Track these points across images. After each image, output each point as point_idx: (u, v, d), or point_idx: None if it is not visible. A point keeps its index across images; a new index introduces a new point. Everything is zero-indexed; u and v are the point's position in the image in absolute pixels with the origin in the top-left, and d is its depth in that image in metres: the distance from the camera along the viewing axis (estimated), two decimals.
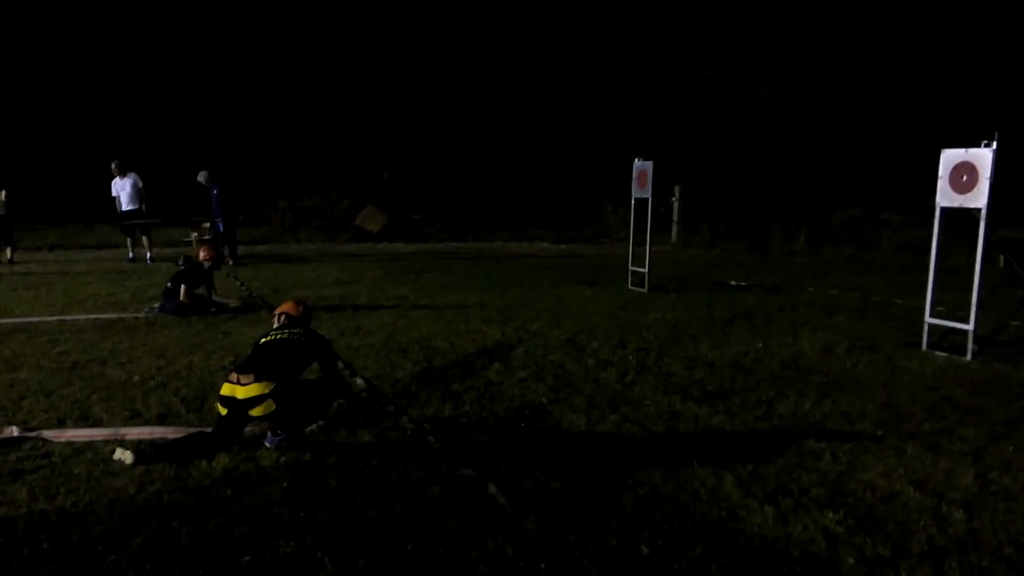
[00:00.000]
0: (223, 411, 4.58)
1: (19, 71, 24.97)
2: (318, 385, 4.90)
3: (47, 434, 4.79)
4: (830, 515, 3.76)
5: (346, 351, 7.22)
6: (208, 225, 15.45)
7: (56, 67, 25.53)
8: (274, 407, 4.51)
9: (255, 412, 4.50)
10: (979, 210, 7.05)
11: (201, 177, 15.14)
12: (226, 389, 4.60)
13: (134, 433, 4.88)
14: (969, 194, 7.15)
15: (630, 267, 12.16)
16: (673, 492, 4.05)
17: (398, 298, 10.68)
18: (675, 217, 21.34)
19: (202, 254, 9.73)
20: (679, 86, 24.19)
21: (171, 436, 4.73)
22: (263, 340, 5.05)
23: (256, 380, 4.52)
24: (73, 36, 25.78)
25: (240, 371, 4.62)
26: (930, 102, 20.10)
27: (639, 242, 11.98)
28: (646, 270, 11.69)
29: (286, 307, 5.63)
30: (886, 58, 21.42)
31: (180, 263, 9.89)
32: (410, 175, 24.97)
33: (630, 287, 11.93)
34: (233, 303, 9.78)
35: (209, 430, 4.71)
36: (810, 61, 22.20)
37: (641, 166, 11.74)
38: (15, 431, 4.82)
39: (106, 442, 4.65)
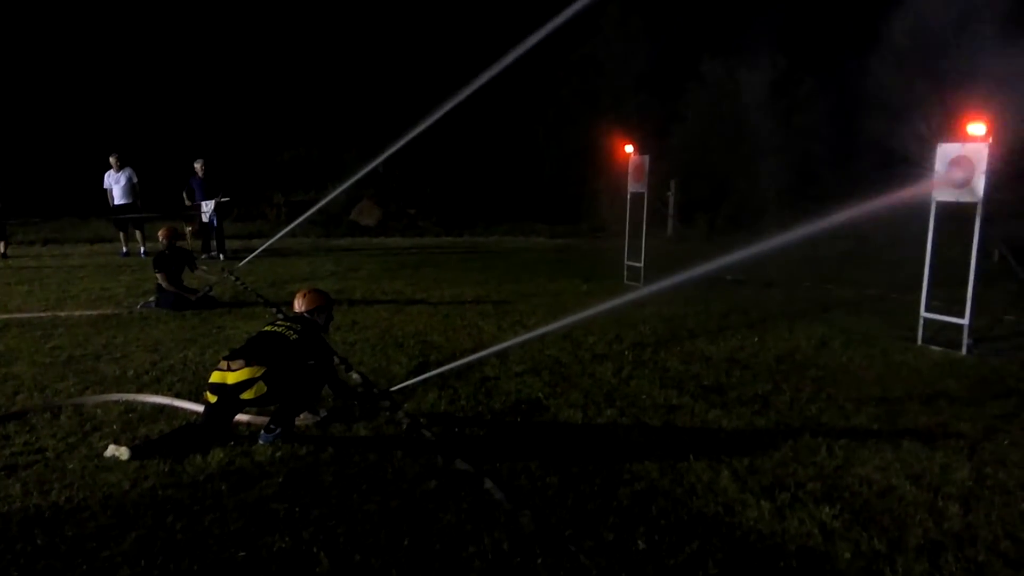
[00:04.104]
0: (212, 399, 4.58)
1: (12, 65, 24.81)
2: (308, 373, 4.86)
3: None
4: (826, 509, 3.76)
5: (342, 346, 7.20)
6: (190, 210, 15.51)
7: (50, 61, 25.36)
8: (265, 389, 4.52)
9: (246, 395, 4.50)
10: (975, 204, 7.05)
11: (198, 165, 15.16)
12: (216, 376, 4.60)
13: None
14: (965, 188, 7.15)
15: (626, 261, 12.15)
16: (669, 487, 4.04)
17: (394, 292, 10.66)
18: (671, 211, 21.31)
19: (160, 237, 9.61)
20: (675, 79, 24.15)
21: None
22: (262, 330, 5.06)
23: (247, 365, 4.53)
24: (67, 30, 25.61)
25: (230, 358, 4.63)
26: (920, 93, 20.08)
27: (635, 236, 11.97)
28: (642, 264, 11.68)
29: (296, 299, 5.46)
30: (881, 49, 21.40)
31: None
32: (405, 170, 24.89)
33: (626, 282, 11.92)
34: (212, 278, 10.12)
35: (198, 422, 4.72)
36: (805, 54, 22.16)
37: (637, 160, 11.72)
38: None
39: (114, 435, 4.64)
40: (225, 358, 4.69)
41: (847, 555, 3.35)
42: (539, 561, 3.27)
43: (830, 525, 3.62)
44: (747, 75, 22.58)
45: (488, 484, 4.00)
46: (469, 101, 6.90)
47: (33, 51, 25.45)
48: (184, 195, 15.36)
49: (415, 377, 5.95)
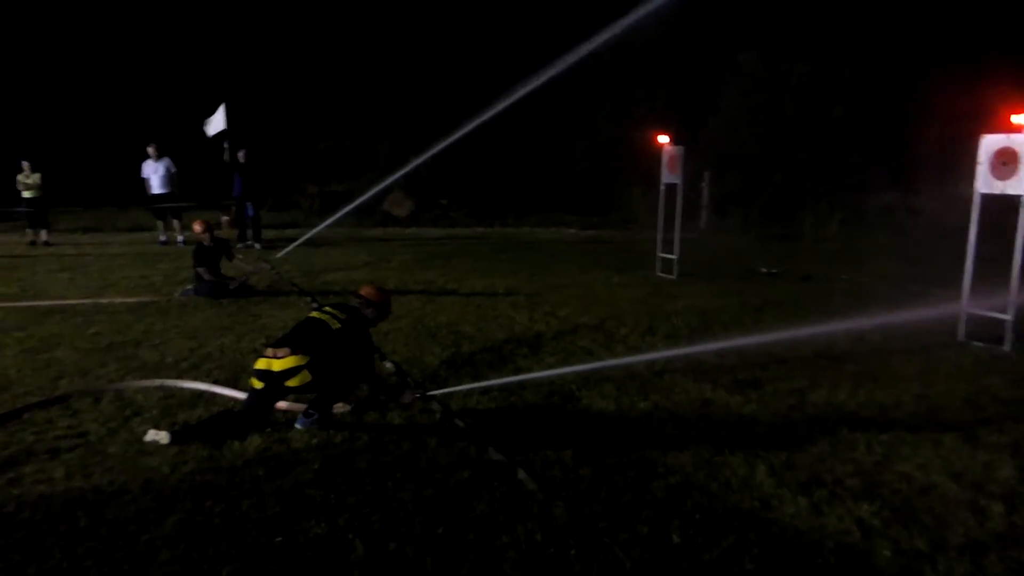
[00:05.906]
0: (258, 385, 4.61)
1: (54, 54, 25.31)
2: (351, 364, 4.88)
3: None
4: (865, 506, 3.70)
5: (375, 335, 7.20)
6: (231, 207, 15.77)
7: (90, 50, 25.81)
8: (310, 377, 4.56)
9: (292, 383, 4.54)
10: (1020, 197, 6.87)
11: (240, 153, 15.36)
12: (261, 363, 4.63)
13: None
14: (1010, 180, 6.98)
15: (659, 253, 12.05)
16: (704, 481, 4.01)
17: (426, 283, 10.70)
18: (704, 203, 21.12)
19: (198, 231, 9.59)
20: (711, 70, 23.85)
21: None
22: (309, 316, 5.08)
23: (292, 353, 4.57)
24: (107, 19, 26.04)
25: (275, 346, 4.67)
26: (969, 85, 19.61)
27: (668, 228, 11.86)
28: (675, 256, 11.57)
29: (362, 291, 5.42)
30: (921, 41, 20.93)
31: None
32: (437, 160, 24.96)
33: (659, 273, 11.83)
34: (249, 268, 10.30)
35: (239, 408, 4.78)
36: (844, 46, 21.73)
37: (672, 150, 11.61)
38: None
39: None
40: (270, 345, 4.73)
41: (887, 553, 3.30)
42: (572, 552, 3.26)
43: (869, 522, 3.56)
44: (784, 66, 22.21)
45: (521, 474, 4.00)
46: (501, 93, 6.91)
47: (75, 43, 25.90)
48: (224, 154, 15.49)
49: (448, 366, 5.94)
